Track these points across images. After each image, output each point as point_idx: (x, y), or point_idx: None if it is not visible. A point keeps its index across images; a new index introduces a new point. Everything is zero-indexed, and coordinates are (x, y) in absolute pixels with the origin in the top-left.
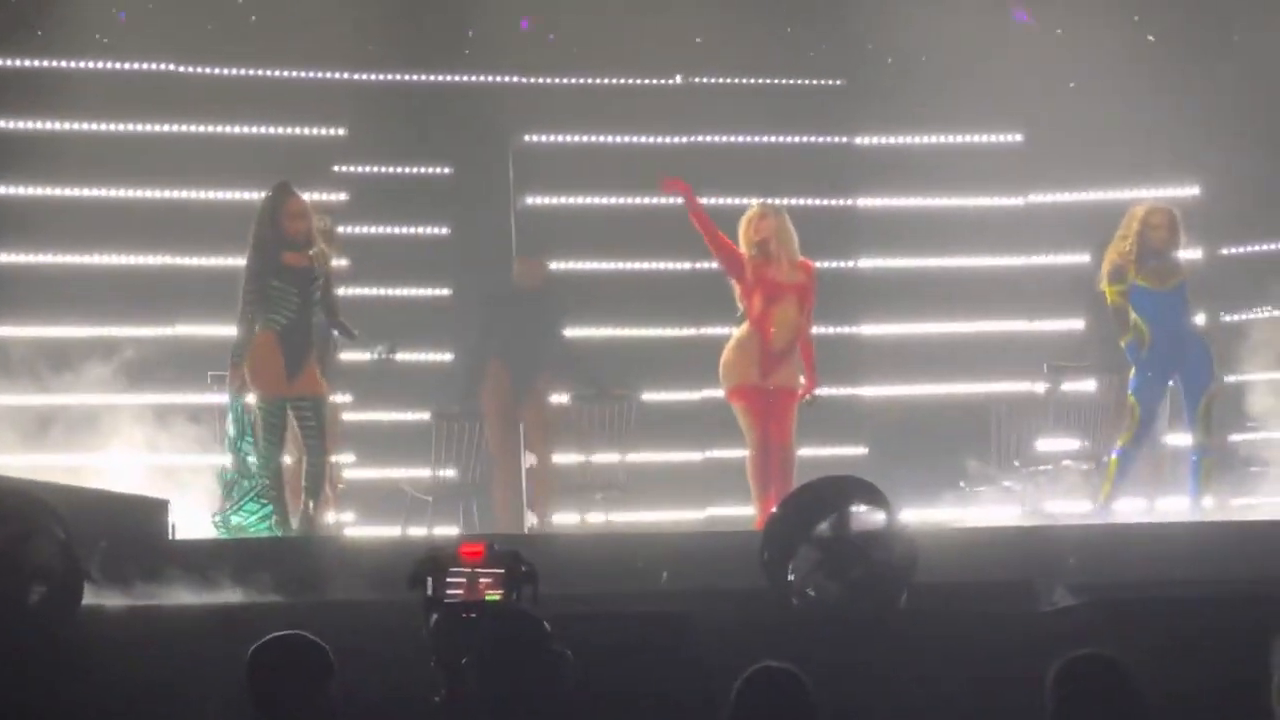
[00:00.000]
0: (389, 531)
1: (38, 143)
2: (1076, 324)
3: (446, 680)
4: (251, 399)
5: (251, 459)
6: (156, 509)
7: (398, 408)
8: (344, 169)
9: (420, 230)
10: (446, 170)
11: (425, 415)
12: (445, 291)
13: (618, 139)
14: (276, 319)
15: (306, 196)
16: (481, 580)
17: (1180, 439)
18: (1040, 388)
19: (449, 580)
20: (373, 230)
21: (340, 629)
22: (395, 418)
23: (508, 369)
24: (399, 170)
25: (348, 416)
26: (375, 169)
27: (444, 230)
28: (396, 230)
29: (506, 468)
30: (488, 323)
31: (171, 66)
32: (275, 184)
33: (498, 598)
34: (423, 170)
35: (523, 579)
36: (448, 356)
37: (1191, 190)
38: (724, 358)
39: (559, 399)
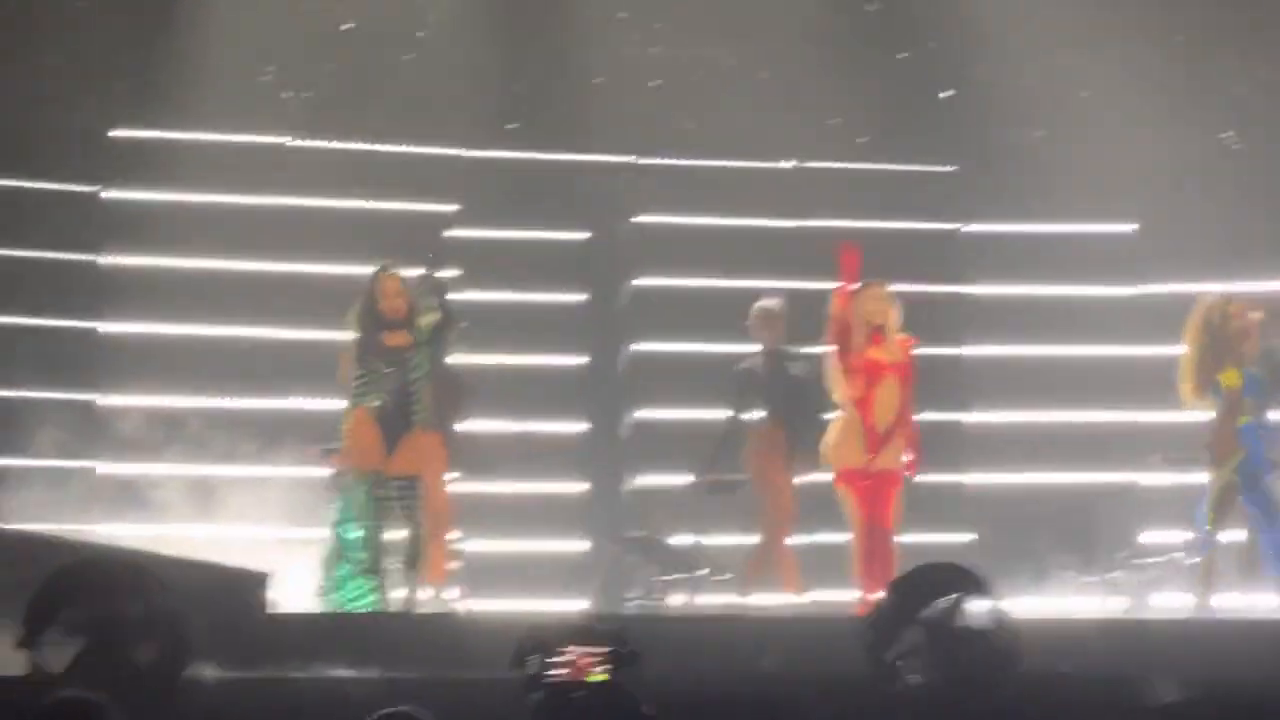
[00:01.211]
0: (499, 606)
1: (153, 213)
2: (1185, 415)
3: None
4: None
5: (352, 537)
6: (255, 582)
7: (526, 477)
8: (461, 234)
9: (549, 298)
10: (567, 239)
11: (556, 486)
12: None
13: (730, 221)
14: (374, 397)
15: (410, 271)
16: (585, 660)
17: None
18: (1149, 479)
19: (552, 660)
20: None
21: (442, 706)
22: (526, 489)
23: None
24: (517, 237)
25: (466, 489)
26: (493, 234)
27: (579, 297)
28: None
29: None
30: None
31: (288, 139)
32: (377, 264)
33: (601, 678)
34: (546, 236)
35: (626, 660)
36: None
37: None
38: (827, 440)
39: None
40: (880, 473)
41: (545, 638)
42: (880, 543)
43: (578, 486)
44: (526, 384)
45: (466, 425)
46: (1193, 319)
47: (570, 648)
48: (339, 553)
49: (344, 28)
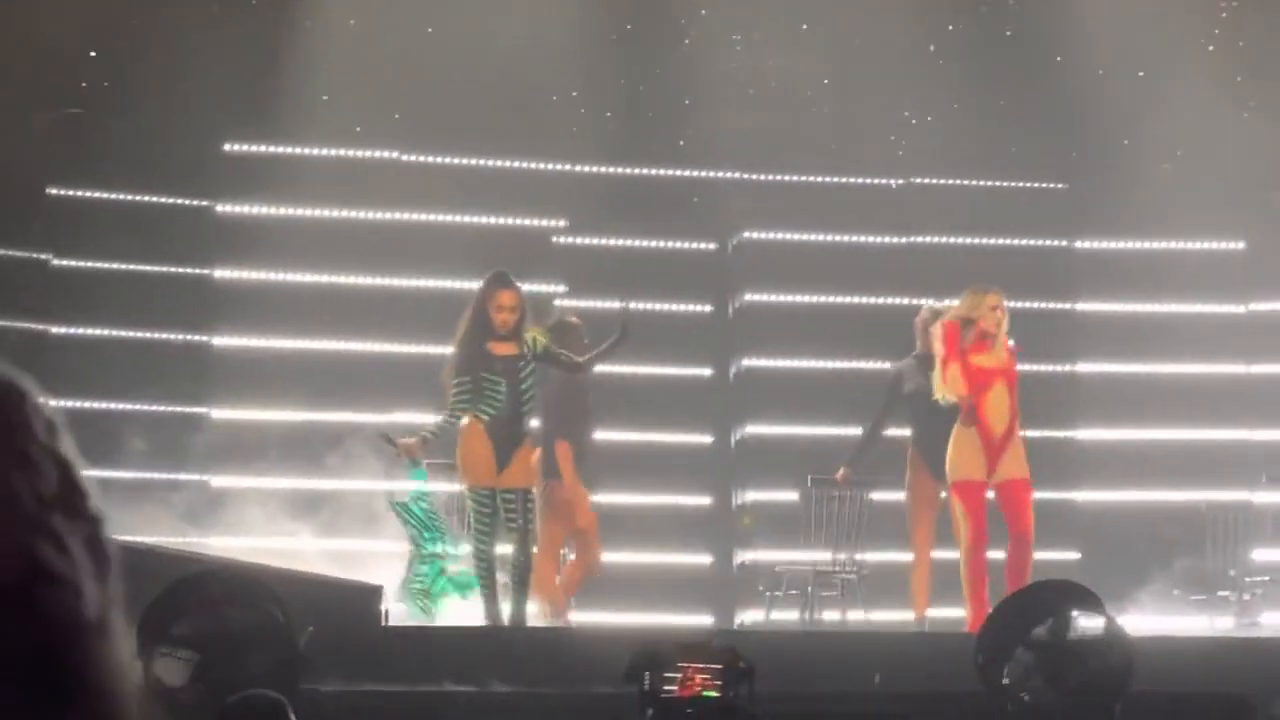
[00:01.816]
0: (616, 619)
1: (265, 227)
2: None
3: None
4: (460, 487)
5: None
6: (370, 595)
7: (658, 490)
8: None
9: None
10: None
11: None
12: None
13: (838, 238)
14: (486, 410)
15: (525, 287)
16: (699, 676)
17: None
18: (1259, 497)
19: (666, 675)
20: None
21: None
22: (658, 501)
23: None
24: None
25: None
26: (601, 243)
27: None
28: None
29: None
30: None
31: (399, 154)
32: (491, 273)
33: (714, 695)
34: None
35: (740, 676)
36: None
37: None
38: (949, 453)
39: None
40: (1006, 482)
41: (659, 653)
42: (1020, 551)
43: (701, 500)
44: (642, 396)
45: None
46: None
47: (684, 664)
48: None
49: (454, 41)
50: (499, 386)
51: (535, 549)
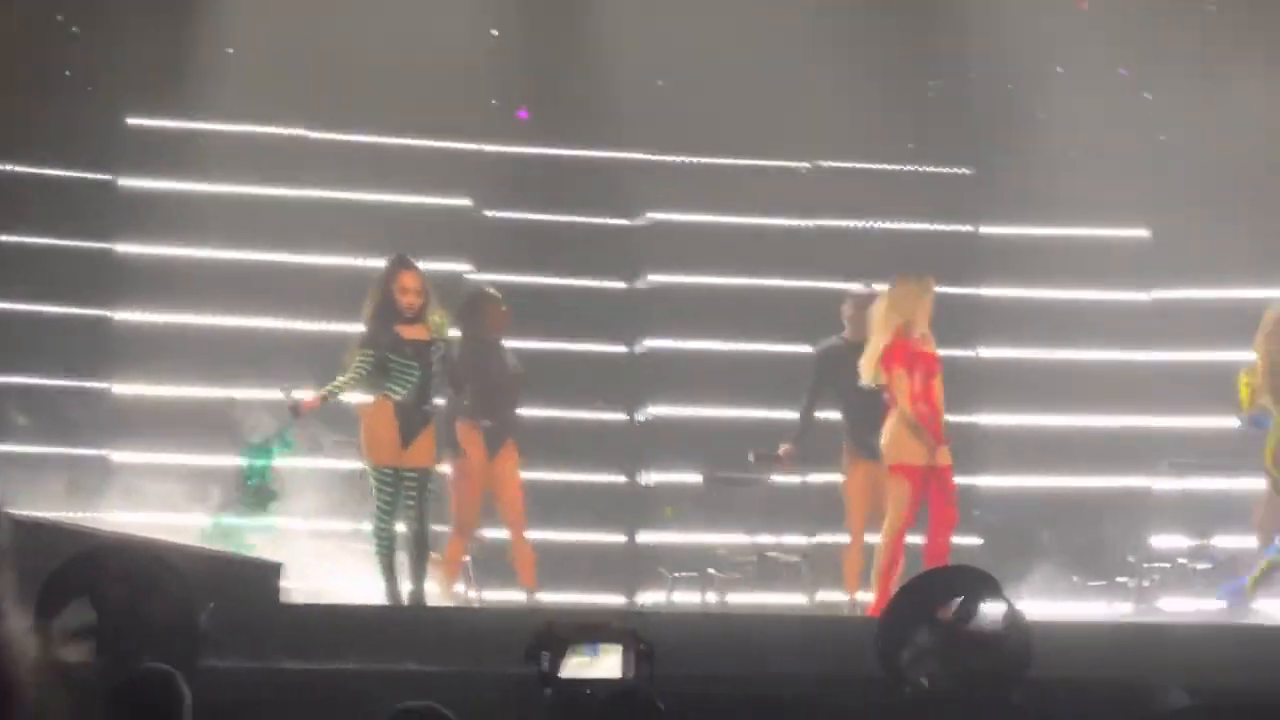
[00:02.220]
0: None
1: (168, 202)
2: (1198, 421)
3: None
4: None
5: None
6: (269, 572)
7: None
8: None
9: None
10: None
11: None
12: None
13: (745, 220)
14: (395, 390)
15: (433, 266)
16: (598, 658)
17: None
18: (1159, 484)
19: (566, 656)
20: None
21: (455, 701)
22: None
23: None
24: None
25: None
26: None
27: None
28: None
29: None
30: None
31: (305, 131)
32: (392, 256)
33: (614, 675)
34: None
35: (640, 658)
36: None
37: None
38: (890, 434)
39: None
40: (943, 467)
41: (559, 633)
42: (946, 536)
43: (615, 478)
44: (554, 373)
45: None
46: (1265, 326)
47: (584, 644)
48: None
49: (363, 20)
50: (411, 369)
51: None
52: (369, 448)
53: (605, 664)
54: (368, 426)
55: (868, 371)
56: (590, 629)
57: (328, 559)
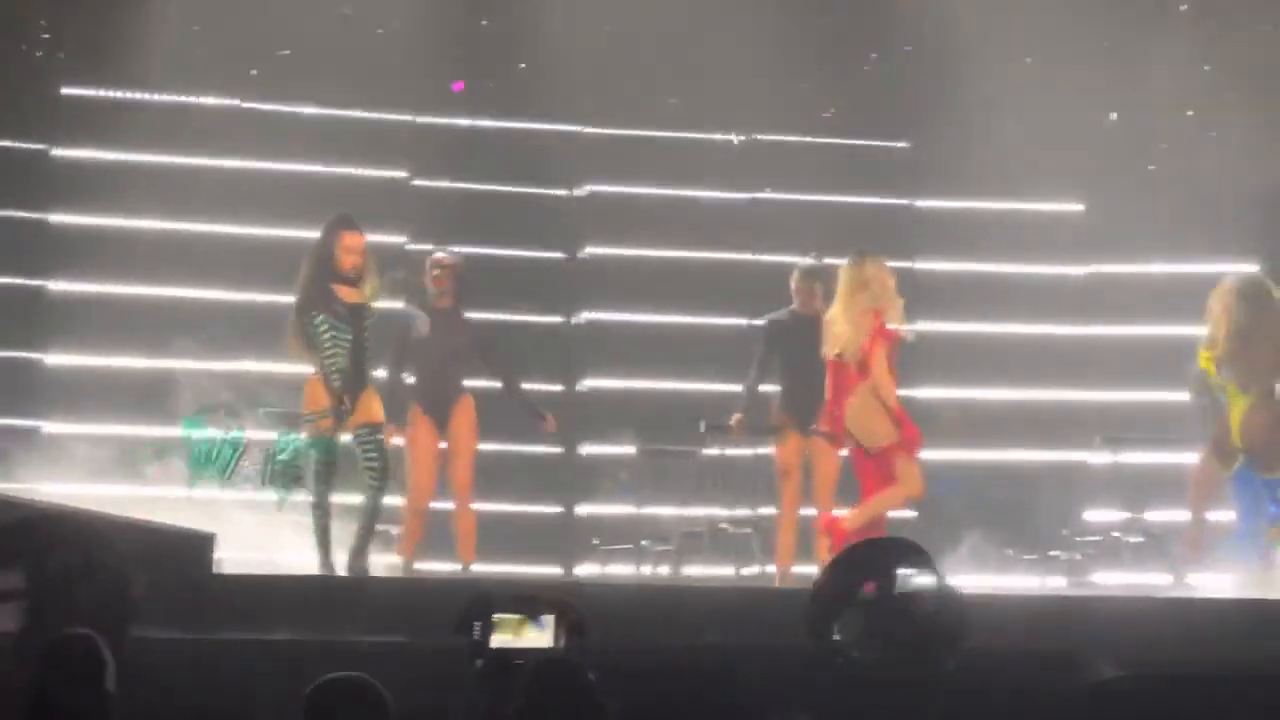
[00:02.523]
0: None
1: (103, 172)
2: (1131, 395)
3: None
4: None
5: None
6: (202, 543)
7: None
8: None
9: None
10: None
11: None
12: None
13: (681, 192)
14: (334, 355)
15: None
16: (530, 629)
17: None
18: (1093, 458)
19: (496, 626)
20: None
21: (387, 672)
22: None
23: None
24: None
25: None
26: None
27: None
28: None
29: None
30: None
31: (240, 102)
32: (336, 215)
33: (545, 646)
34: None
35: (572, 629)
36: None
37: (1254, 264)
38: (874, 417)
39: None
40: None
41: (490, 604)
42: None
43: (552, 449)
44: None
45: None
46: (1224, 298)
47: (515, 614)
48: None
49: None
50: (345, 330)
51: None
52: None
53: (537, 635)
54: (308, 394)
55: (841, 343)
56: (522, 600)
57: (263, 530)
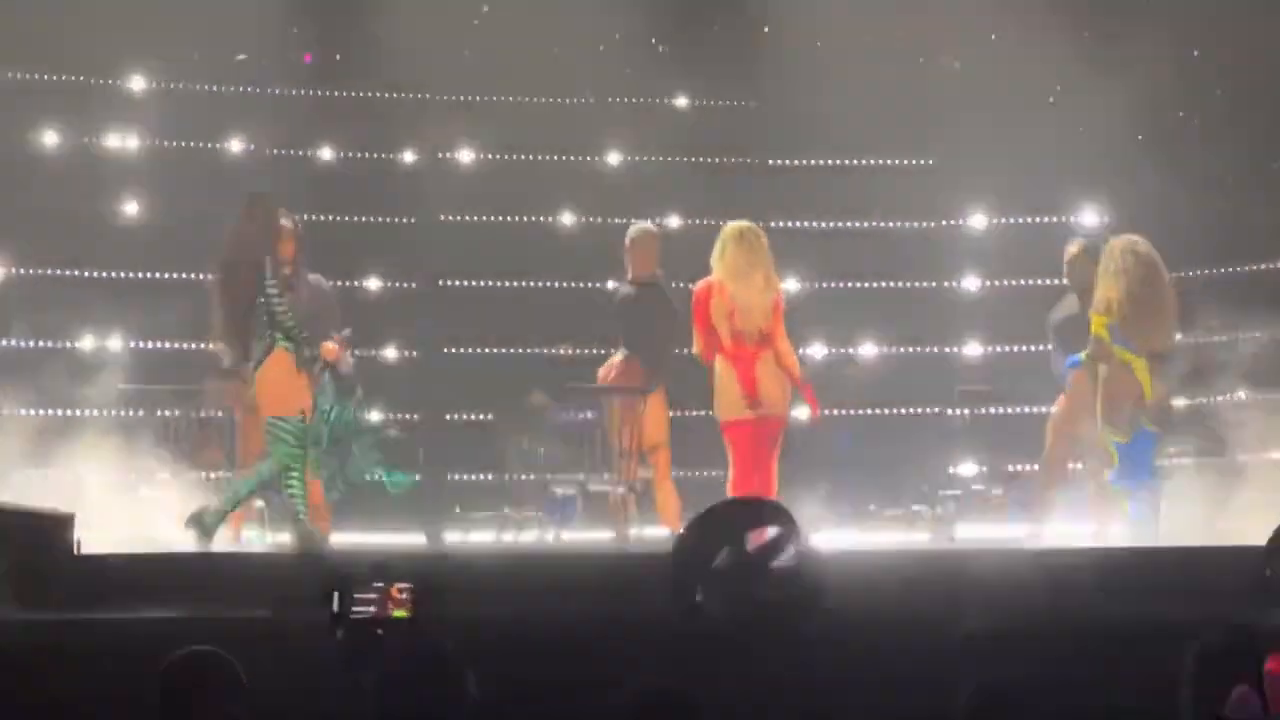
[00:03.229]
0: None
1: None
2: (989, 348)
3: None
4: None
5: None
6: (62, 524)
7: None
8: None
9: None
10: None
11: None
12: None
13: (529, 157)
14: (290, 336)
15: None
16: (389, 598)
17: None
18: (953, 412)
19: (358, 597)
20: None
21: (246, 646)
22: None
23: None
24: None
25: None
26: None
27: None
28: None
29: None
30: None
31: (82, 77)
32: (265, 203)
33: (404, 615)
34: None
35: (429, 597)
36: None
37: (1103, 218)
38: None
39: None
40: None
41: (350, 575)
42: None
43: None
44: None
45: None
46: (1115, 261)
47: (374, 584)
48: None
49: None
50: (290, 313)
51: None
52: (282, 400)
53: (396, 605)
54: (274, 379)
55: (761, 317)
56: (381, 569)
57: (124, 508)
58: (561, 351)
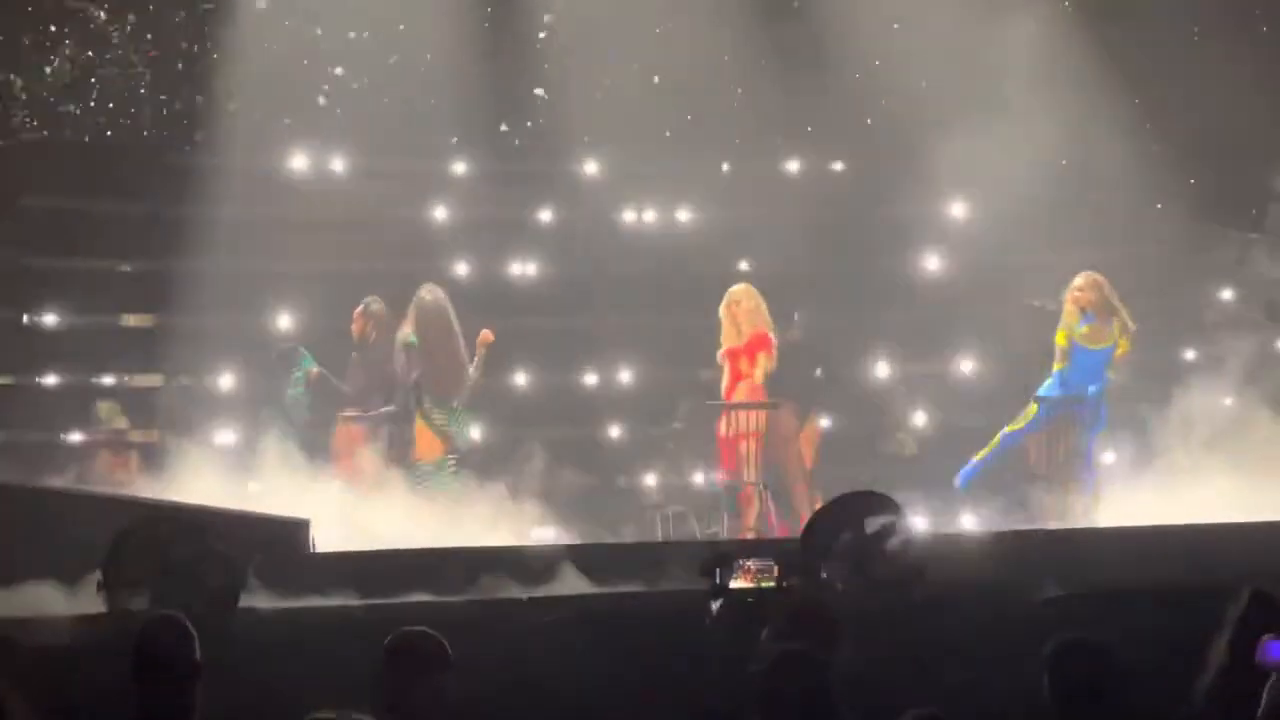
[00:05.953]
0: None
1: None
2: None
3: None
4: None
5: None
6: (299, 527)
7: None
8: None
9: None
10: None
11: None
12: None
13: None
14: None
15: None
16: (759, 571)
17: None
18: None
19: (733, 570)
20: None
21: (462, 628)
22: None
23: None
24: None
25: None
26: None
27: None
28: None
29: None
30: None
31: None
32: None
33: (770, 584)
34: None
35: (791, 569)
36: None
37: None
38: None
39: None
40: None
41: (728, 553)
42: None
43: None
44: None
45: None
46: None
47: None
48: None
49: None
50: None
51: None
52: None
53: (762, 575)
54: None
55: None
56: (747, 547)
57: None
58: None
